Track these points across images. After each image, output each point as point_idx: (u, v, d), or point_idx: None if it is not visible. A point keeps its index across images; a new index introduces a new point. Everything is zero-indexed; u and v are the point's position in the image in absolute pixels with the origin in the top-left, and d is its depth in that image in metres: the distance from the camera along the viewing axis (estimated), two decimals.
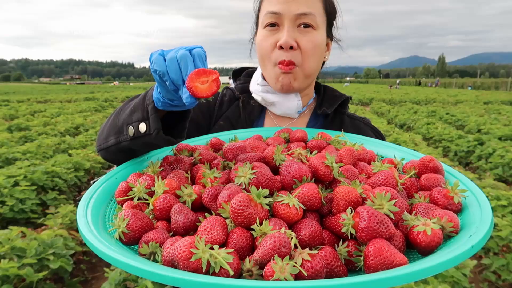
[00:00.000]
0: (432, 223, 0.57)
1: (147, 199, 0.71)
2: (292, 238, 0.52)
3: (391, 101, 21.49)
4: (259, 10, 1.10)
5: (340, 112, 1.19)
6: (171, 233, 0.64)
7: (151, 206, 0.68)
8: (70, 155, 6.02)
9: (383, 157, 0.96)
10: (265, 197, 0.61)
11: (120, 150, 0.89)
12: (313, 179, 0.69)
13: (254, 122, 1.20)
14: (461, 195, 0.68)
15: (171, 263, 0.52)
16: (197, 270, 0.49)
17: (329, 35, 1.12)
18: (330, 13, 1.08)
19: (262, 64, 1.10)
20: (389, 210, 0.58)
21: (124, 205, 0.73)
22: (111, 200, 0.78)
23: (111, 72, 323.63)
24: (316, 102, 1.23)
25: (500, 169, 5.92)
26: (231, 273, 0.49)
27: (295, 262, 0.49)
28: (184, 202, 0.68)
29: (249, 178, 0.64)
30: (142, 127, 0.80)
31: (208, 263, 0.49)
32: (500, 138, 7.91)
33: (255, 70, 1.23)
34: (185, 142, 1.00)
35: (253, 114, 1.20)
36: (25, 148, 6.20)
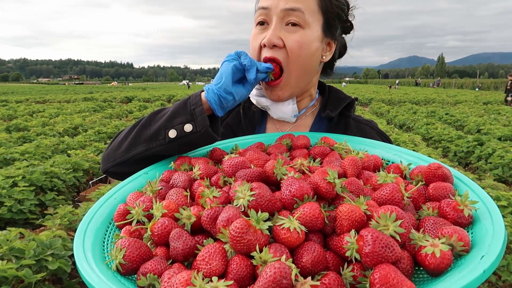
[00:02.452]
0: (441, 243, 0.54)
1: (145, 223, 0.70)
2: (293, 269, 0.50)
3: (390, 102, 21.44)
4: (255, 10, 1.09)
5: (345, 115, 1.14)
6: (171, 260, 0.62)
7: (149, 232, 0.66)
8: (69, 155, 6.00)
9: (389, 162, 0.93)
10: (265, 220, 0.58)
11: (143, 158, 0.93)
12: (315, 196, 0.66)
13: (256, 128, 1.17)
14: (472, 207, 0.64)
15: None
16: None
17: (329, 35, 1.05)
18: (328, 11, 1.01)
19: None
20: (395, 232, 0.54)
21: (122, 230, 0.71)
22: (110, 223, 0.76)
23: (110, 72, 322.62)
24: (320, 104, 1.18)
25: (500, 169, 5.90)
26: None
27: None
28: (183, 225, 0.66)
29: (248, 200, 0.61)
30: (188, 127, 0.88)
31: None
32: (499, 139, 7.89)
33: None
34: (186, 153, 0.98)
35: (254, 119, 1.17)
36: (23, 149, 6.17)
